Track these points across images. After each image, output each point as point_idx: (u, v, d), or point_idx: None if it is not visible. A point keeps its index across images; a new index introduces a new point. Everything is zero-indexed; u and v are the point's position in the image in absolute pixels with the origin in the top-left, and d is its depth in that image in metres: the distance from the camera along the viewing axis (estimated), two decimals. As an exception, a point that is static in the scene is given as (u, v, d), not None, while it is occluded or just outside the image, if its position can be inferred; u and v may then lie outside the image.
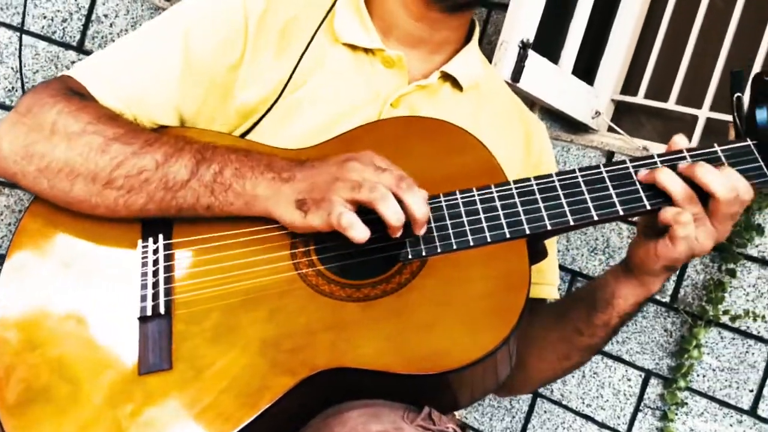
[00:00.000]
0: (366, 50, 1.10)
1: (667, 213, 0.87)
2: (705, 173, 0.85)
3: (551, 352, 1.09)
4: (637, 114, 2.40)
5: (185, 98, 1.04)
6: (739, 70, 0.95)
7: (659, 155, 0.92)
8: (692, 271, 1.74)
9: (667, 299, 1.76)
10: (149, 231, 0.95)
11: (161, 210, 0.92)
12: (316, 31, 1.07)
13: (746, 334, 1.64)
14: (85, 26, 1.84)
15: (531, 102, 2.05)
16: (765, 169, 0.90)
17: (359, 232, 0.81)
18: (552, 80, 1.96)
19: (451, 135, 1.03)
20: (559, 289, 1.19)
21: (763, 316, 1.59)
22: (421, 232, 0.86)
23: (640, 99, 2.31)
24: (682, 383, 1.67)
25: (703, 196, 0.87)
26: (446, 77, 1.13)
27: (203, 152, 0.92)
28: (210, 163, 0.91)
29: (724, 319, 1.65)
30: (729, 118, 2.03)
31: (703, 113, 2.15)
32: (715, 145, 0.93)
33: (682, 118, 2.25)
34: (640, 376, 1.77)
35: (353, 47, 1.09)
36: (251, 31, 1.05)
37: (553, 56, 1.99)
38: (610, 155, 1.89)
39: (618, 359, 1.80)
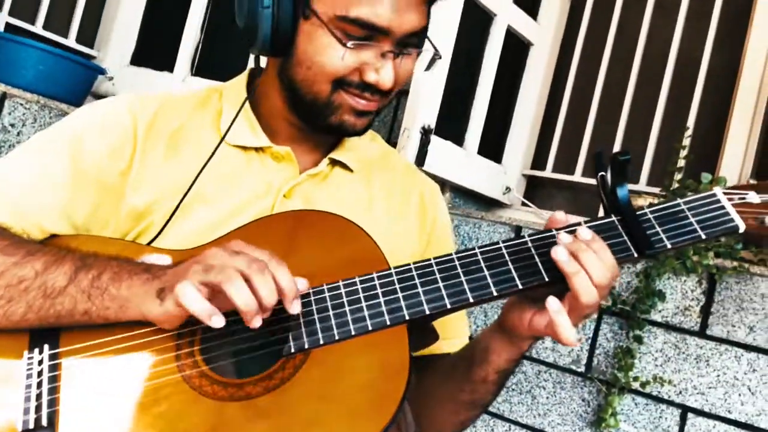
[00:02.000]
0: (255, 149, 1.12)
1: (555, 305, 0.88)
2: (583, 255, 0.88)
3: (441, 409, 1.10)
4: (548, 187, 2.49)
5: (76, 204, 1.04)
6: (599, 150, 1.00)
7: (530, 236, 0.95)
8: (603, 339, 1.78)
9: (582, 369, 1.79)
10: (36, 341, 0.94)
11: (40, 318, 0.91)
12: (217, 147, 1.08)
13: (658, 399, 1.67)
14: (-8, 134, 1.83)
15: (442, 182, 2.12)
16: (629, 244, 0.93)
17: (198, 306, 0.81)
18: (458, 161, 2.03)
19: (336, 226, 1.04)
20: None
21: (670, 381, 1.63)
22: (259, 320, 0.85)
23: (548, 173, 2.40)
24: (604, 452, 1.69)
25: None
26: (335, 162, 1.15)
27: (84, 259, 0.92)
28: (89, 269, 0.91)
29: (635, 385, 1.68)
30: (633, 186, 2.14)
31: (607, 183, 2.25)
32: (582, 222, 0.96)
33: (588, 189, 2.35)
34: (565, 447, 1.77)
35: (243, 148, 1.12)
36: (140, 136, 1.06)
37: (458, 139, 2.06)
38: (518, 230, 1.95)
39: (542, 432, 1.81)
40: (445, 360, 1.18)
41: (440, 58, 1.09)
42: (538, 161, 2.46)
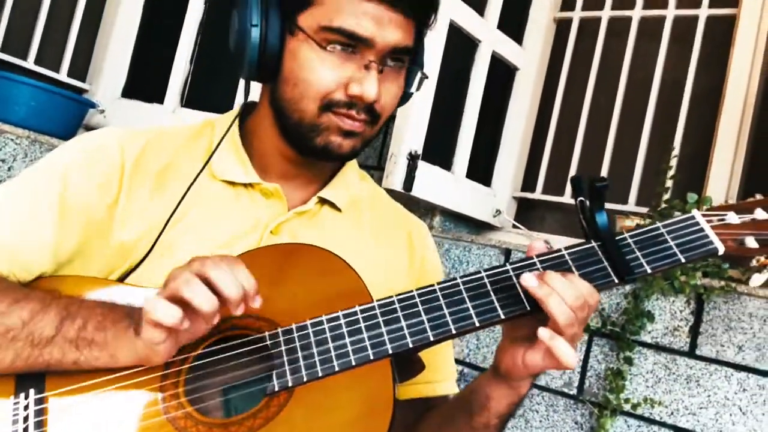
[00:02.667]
0: (245, 185, 1.12)
1: (546, 333, 0.89)
2: (555, 284, 0.89)
3: None
4: (538, 209, 2.50)
5: (63, 242, 1.04)
6: (577, 176, 1.01)
7: (511, 263, 0.96)
8: (594, 361, 1.78)
9: (574, 391, 1.79)
10: (22, 385, 0.94)
11: (29, 366, 0.91)
12: (198, 176, 1.09)
13: (650, 420, 1.68)
14: (-16, 169, 1.85)
15: (431, 206, 2.13)
16: (609, 270, 0.94)
17: (158, 311, 0.81)
18: (446, 185, 2.04)
19: (320, 259, 1.05)
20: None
21: (661, 402, 1.63)
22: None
23: (538, 195, 2.42)
24: (598, 475, 1.68)
25: None
26: (324, 201, 1.16)
27: (69, 308, 0.93)
28: (74, 319, 0.91)
29: (627, 407, 1.68)
30: (621, 207, 2.16)
31: (597, 205, 2.27)
32: (562, 249, 0.97)
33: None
34: (560, 471, 1.77)
35: (232, 183, 1.12)
36: (127, 172, 1.06)
37: (446, 163, 2.08)
38: (508, 252, 1.96)
39: (537, 456, 1.81)
40: (442, 404, 1.17)
41: (427, 78, 1.10)
42: (529, 183, 2.47)
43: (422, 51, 1.13)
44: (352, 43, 0.97)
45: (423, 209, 2.18)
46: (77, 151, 1.09)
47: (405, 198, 2.08)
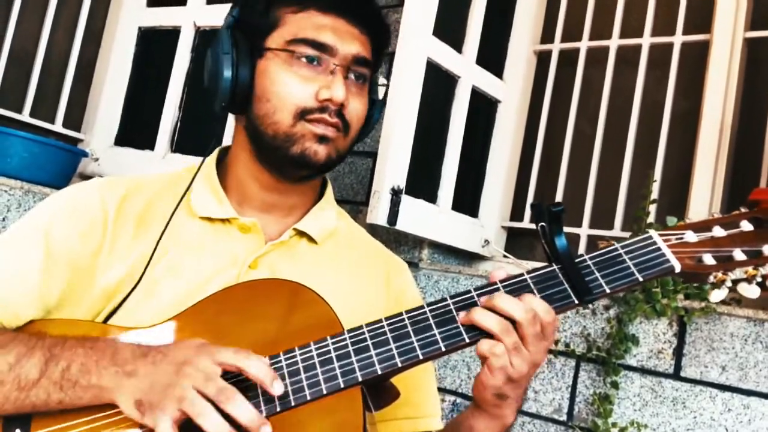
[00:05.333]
0: (222, 220, 1.16)
1: (483, 346, 0.92)
2: (502, 302, 0.92)
3: None
4: (528, 237, 2.53)
5: (50, 289, 1.08)
6: (536, 203, 1.04)
7: (476, 289, 0.99)
8: (582, 386, 1.79)
9: (564, 417, 1.80)
10: (8, 427, 0.97)
11: (17, 408, 0.95)
12: (174, 210, 1.13)
13: (639, 444, 1.68)
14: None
15: (420, 239, 2.17)
16: (569, 291, 0.97)
17: None
18: (432, 218, 2.08)
19: (291, 293, 1.08)
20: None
21: (647, 425, 1.63)
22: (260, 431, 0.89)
23: (527, 224, 2.45)
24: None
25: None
26: (301, 234, 1.19)
27: (52, 349, 0.96)
28: (58, 360, 0.95)
29: (614, 431, 1.69)
30: (606, 233, 2.18)
31: (584, 231, 2.29)
32: (524, 273, 1.00)
33: (567, 236, 2.38)
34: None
35: (210, 219, 1.15)
36: (110, 218, 1.10)
37: (431, 196, 2.12)
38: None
39: (531, 485, 1.81)
40: None
41: (387, 85, 1.18)
42: (517, 213, 2.50)
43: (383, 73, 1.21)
44: (316, 54, 1.06)
45: (411, 242, 2.21)
46: (60, 203, 1.14)
47: (392, 233, 2.11)
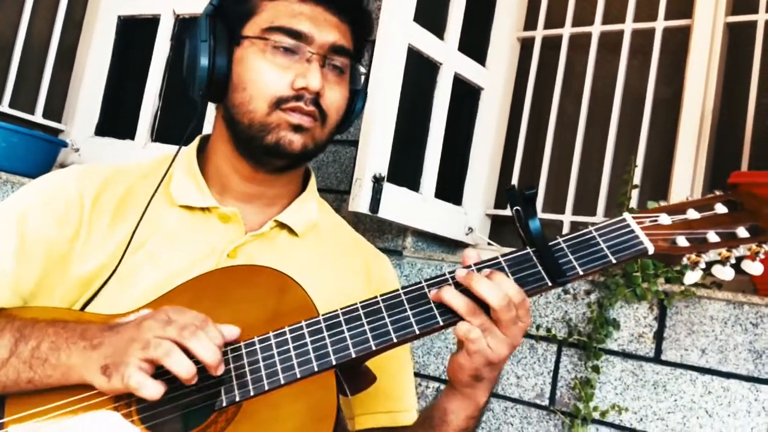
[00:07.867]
0: (202, 209, 1.15)
1: (460, 329, 0.92)
2: (476, 283, 0.92)
3: None
4: (513, 225, 2.51)
5: (24, 277, 1.07)
6: (511, 186, 1.05)
7: (449, 272, 0.99)
8: (564, 371, 1.80)
9: (546, 402, 1.81)
10: (-20, 410, 0.96)
11: None
12: (152, 197, 1.12)
13: (620, 428, 1.69)
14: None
15: (403, 227, 2.16)
16: (543, 273, 0.97)
17: (148, 390, 0.84)
18: (415, 206, 2.07)
19: (267, 278, 1.08)
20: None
21: (627, 409, 1.64)
22: (218, 372, 0.89)
23: (510, 211, 2.45)
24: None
25: (486, 306, 0.93)
26: (281, 225, 1.18)
27: (22, 330, 0.96)
28: (28, 340, 0.94)
29: (596, 415, 1.70)
30: (590, 219, 2.18)
31: (567, 217, 2.30)
32: (499, 255, 1.00)
33: (553, 224, 2.39)
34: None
35: (190, 208, 1.15)
36: (87, 206, 1.10)
37: (413, 184, 2.11)
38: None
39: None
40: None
41: (366, 74, 1.17)
42: (501, 200, 2.50)
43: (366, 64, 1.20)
44: (292, 43, 1.05)
45: (395, 230, 2.21)
46: (36, 190, 1.13)
47: (375, 221, 2.11)
